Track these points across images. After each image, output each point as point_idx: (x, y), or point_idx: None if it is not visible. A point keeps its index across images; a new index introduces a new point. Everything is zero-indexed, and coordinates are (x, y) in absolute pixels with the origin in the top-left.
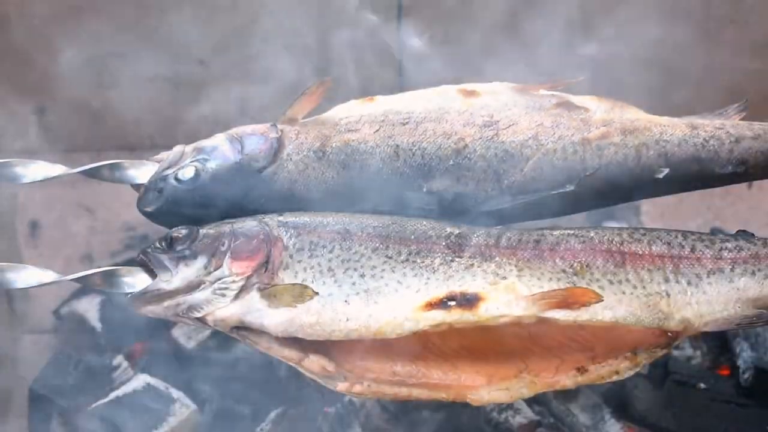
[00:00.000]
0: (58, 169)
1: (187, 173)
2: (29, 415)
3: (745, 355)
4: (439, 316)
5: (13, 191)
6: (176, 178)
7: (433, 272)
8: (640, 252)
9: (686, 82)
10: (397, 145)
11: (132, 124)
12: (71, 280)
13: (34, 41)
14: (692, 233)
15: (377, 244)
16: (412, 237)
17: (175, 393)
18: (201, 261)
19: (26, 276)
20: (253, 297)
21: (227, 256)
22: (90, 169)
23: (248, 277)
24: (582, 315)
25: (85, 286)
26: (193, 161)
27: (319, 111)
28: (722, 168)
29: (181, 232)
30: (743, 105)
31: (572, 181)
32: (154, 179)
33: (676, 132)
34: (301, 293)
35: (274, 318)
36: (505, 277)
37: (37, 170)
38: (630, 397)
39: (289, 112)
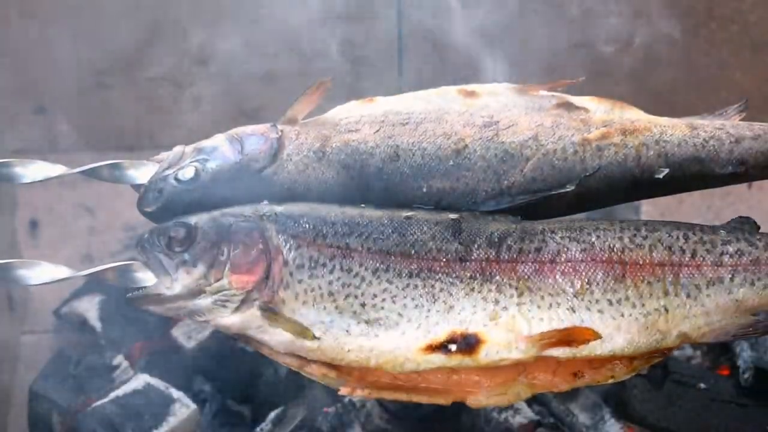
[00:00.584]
0: (58, 169)
1: (187, 173)
2: (29, 415)
3: (745, 355)
4: (439, 360)
5: (13, 191)
6: (176, 179)
7: (434, 302)
8: (641, 261)
9: (686, 82)
10: (397, 146)
11: (132, 124)
12: (85, 275)
13: (35, 41)
14: (694, 232)
15: (378, 264)
16: (413, 251)
17: (175, 393)
18: (201, 269)
19: (40, 272)
20: (254, 313)
21: (227, 268)
22: (90, 169)
23: (249, 292)
24: (581, 351)
25: (97, 282)
26: (193, 161)
27: (320, 111)
28: (722, 168)
29: (180, 232)
30: (743, 105)
31: (572, 182)
32: (154, 179)
33: (676, 132)
34: (302, 332)
35: (275, 336)
36: (505, 308)
37: (37, 170)
38: (630, 397)
39: (289, 112)
